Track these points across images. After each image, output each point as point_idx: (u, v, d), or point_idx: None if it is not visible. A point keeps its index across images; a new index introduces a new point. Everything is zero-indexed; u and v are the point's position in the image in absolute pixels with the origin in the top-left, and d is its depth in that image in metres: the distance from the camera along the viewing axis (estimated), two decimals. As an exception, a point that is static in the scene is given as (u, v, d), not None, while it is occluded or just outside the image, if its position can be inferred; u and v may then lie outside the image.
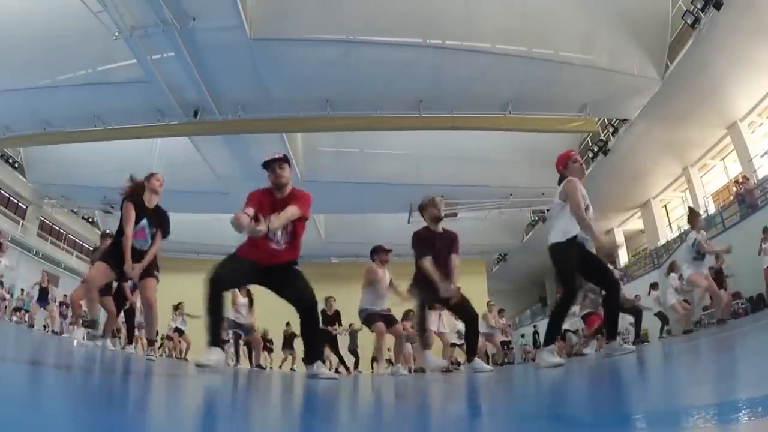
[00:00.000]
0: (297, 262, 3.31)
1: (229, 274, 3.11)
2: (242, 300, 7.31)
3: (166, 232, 4.33)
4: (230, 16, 9.06)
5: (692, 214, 7.09)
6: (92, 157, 14.33)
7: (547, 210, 16.07)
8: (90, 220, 19.31)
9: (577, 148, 14.88)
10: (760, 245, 8.50)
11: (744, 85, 10.63)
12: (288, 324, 11.89)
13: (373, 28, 9.97)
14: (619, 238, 18.47)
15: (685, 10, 9.48)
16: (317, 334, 3.41)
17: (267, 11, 9.57)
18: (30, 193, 17.02)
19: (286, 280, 3.22)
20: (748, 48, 9.50)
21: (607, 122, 13.21)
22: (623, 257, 18.09)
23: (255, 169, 13.37)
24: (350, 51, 10.16)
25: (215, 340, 3.03)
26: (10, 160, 15.89)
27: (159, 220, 4.28)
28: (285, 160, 3.23)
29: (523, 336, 19.61)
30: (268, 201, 3.13)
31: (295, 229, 3.20)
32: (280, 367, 11.47)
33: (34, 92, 11.28)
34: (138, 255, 4.16)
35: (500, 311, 11.32)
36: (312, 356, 3.24)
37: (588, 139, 14.14)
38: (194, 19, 9.08)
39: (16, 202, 17.27)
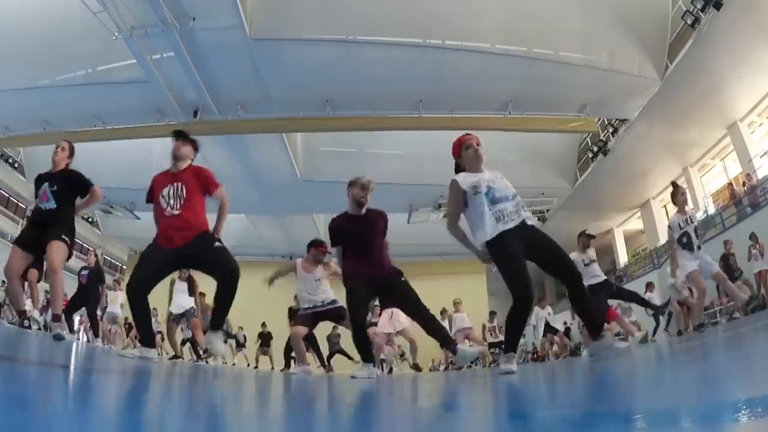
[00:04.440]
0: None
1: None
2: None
3: (77, 189, 4.11)
4: (230, 16, 9.06)
5: (674, 189, 5.81)
6: (92, 156, 14.30)
7: (547, 210, 16.08)
8: (90, 220, 19.28)
9: (577, 148, 14.89)
10: (749, 251, 8.59)
11: (744, 85, 10.63)
12: (263, 324, 11.86)
13: (373, 28, 9.98)
14: (619, 238, 18.48)
15: (685, 10, 9.48)
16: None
17: (267, 11, 9.58)
18: (30, 193, 16.98)
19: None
20: (748, 48, 9.50)
21: (607, 122, 13.21)
22: (623, 257, 18.10)
23: (255, 169, 13.39)
24: (350, 51, 10.17)
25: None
26: (10, 160, 15.88)
27: (63, 181, 4.09)
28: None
29: (523, 336, 19.61)
30: None
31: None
32: (256, 367, 11.44)
33: (33, 92, 11.28)
34: (44, 215, 4.02)
35: (491, 314, 11.38)
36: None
37: (588, 139, 14.14)
38: (194, 19, 9.08)
39: (16, 202, 17.27)
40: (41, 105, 11.66)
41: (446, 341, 3.69)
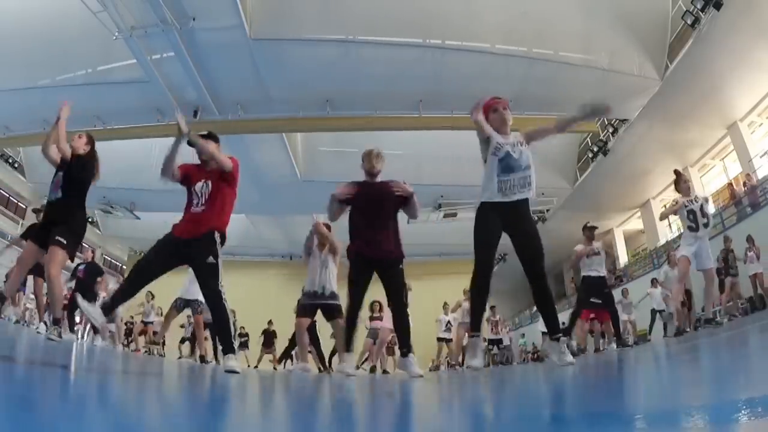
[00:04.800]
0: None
1: None
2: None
3: (83, 173, 4.01)
4: (230, 16, 9.06)
5: (677, 177, 6.19)
6: (92, 157, 14.33)
7: (547, 210, 16.09)
8: (90, 219, 19.25)
9: (577, 148, 14.90)
10: (746, 253, 8.64)
11: (744, 85, 10.64)
12: (269, 322, 11.87)
13: (373, 28, 9.97)
14: (619, 238, 18.48)
15: (685, 10, 9.48)
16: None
17: (267, 11, 9.57)
18: (30, 193, 17.01)
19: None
20: (748, 48, 9.50)
21: (607, 122, 13.20)
22: (623, 257, 18.09)
23: (255, 168, 13.36)
24: (350, 51, 10.16)
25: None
26: (10, 160, 15.88)
27: (73, 167, 3.98)
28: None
29: (523, 336, 19.62)
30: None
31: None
32: (256, 366, 11.41)
33: (33, 92, 11.27)
34: (50, 208, 3.92)
35: (491, 308, 11.33)
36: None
37: (588, 139, 14.15)
38: (194, 19, 9.08)
39: (16, 202, 17.27)
40: (41, 105, 11.63)
41: (405, 344, 3.79)
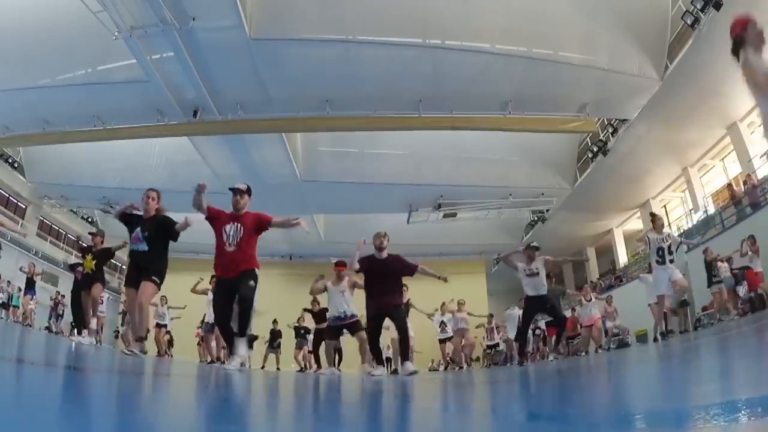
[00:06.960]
0: None
1: None
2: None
3: (165, 234, 4.79)
4: (230, 16, 9.05)
5: (652, 219, 7.32)
6: (92, 156, 14.32)
7: (547, 210, 16.09)
8: (89, 219, 19.27)
9: (577, 148, 14.89)
10: (748, 251, 8.80)
11: (744, 85, 10.61)
12: (275, 322, 11.87)
13: (373, 28, 9.96)
14: (619, 238, 18.47)
15: (684, 10, 9.46)
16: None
17: (267, 11, 9.57)
18: (29, 192, 17.01)
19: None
20: (748, 48, 9.48)
21: (606, 122, 13.20)
22: (623, 257, 18.09)
23: (254, 168, 13.29)
24: (350, 51, 10.15)
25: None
26: (10, 160, 15.87)
27: (154, 227, 4.76)
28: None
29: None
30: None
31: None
32: (263, 366, 11.35)
33: (33, 92, 11.27)
34: (138, 256, 4.72)
35: (489, 316, 11.75)
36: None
37: (588, 139, 14.14)
38: (194, 19, 9.06)
39: (16, 201, 17.25)
40: (41, 105, 11.65)
41: (405, 356, 5.30)
